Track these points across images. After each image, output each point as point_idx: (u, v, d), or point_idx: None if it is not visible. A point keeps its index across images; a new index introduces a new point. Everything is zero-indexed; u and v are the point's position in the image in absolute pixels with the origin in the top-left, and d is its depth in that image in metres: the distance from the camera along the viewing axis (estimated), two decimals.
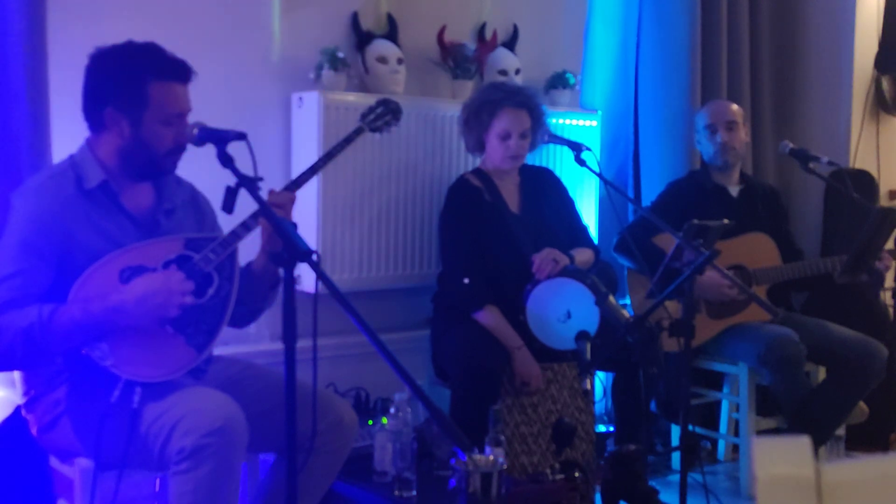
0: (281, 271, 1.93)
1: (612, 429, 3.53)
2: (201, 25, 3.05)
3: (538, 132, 3.30)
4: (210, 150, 2.17)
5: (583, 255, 3.27)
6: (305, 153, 3.17)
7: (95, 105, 2.29)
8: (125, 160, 2.31)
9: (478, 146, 3.31)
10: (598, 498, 2.87)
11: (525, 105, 3.24)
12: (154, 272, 2.18)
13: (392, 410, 2.81)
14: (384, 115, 2.71)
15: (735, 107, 3.76)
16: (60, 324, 2.08)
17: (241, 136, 2.16)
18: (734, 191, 3.73)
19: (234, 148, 2.15)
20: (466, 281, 3.15)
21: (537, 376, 3.05)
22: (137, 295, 2.12)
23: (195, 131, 2.24)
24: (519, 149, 3.24)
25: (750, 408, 3.50)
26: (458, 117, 3.35)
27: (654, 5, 4.03)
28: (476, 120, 3.25)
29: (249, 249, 2.44)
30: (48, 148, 2.65)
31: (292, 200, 2.36)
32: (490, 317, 3.10)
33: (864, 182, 4.28)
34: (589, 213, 3.87)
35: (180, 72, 2.30)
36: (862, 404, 3.49)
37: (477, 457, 2.43)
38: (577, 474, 2.69)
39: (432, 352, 3.28)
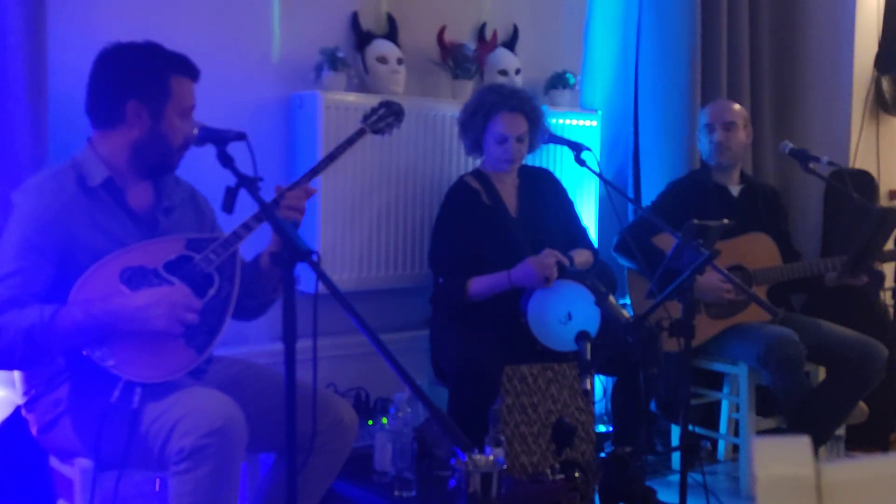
0: None
1: (611, 429, 3.53)
2: (201, 25, 3.05)
3: (536, 134, 3.30)
4: (210, 150, 2.17)
5: (581, 257, 3.27)
6: (305, 153, 3.18)
7: (115, 98, 2.29)
8: (138, 154, 2.31)
9: (475, 148, 3.32)
10: (597, 498, 2.87)
11: (521, 109, 3.24)
12: (162, 285, 2.18)
13: (392, 410, 2.81)
14: (386, 116, 2.71)
15: (737, 107, 3.75)
16: (61, 325, 2.08)
17: (241, 136, 2.16)
18: (735, 190, 3.73)
19: (234, 148, 2.15)
20: (441, 281, 3.17)
21: (544, 265, 3.04)
22: (141, 303, 2.12)
23: (195, 131, 2.25)
24: (515, 152, 3.24)
25: (750, 408, 3.50)
26: (458, 118, 3.34)
27: (654, 5, 4.03)
28: (472, 123, 3.26)
29: (254, 244, 2.44)
30: (48, 148, 2.65)
31: (309, 194, 2.42)
32: (479, 286, 3.11)
33: (864, 182, 4.28)
34: (589, 214, 3.87)
35: (193, 69, 2.35)
36: (862, 404, 3.49)
37: (477, 457, 2.43)
38: (577, 474, 2.70)
39: (431, 352, 3.28)
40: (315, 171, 2.47)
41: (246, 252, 2.43)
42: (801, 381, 3.39)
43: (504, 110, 3.21)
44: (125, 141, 2.31)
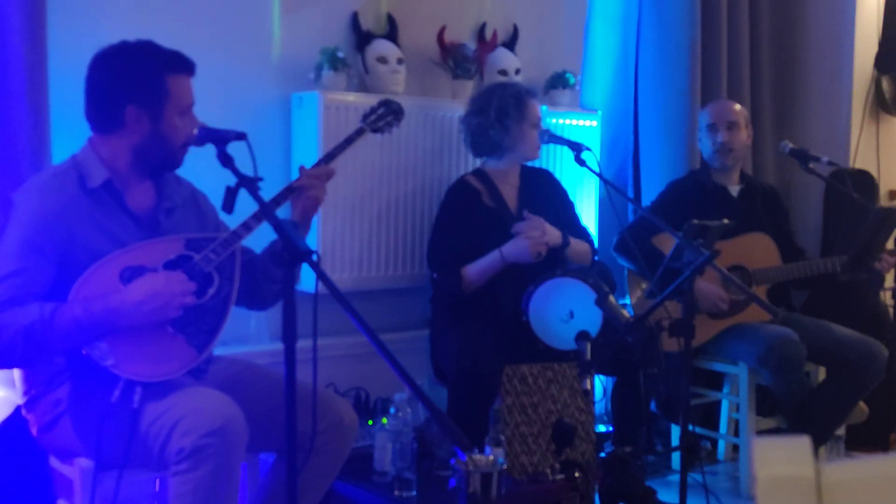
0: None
1: (611, 429, 3.53)
2: (201, 25, 3.05)
3: (542, 135, 3.32)
4: (210, 150, 2.17)
5: (580, 246, 3.28)
6: (305, 153, 3.18)
7: (113, 105, 2.28)
8: (140, 157, 2.31)
9: (511, 143, 3.26)
10: (597, 498, 2.87)
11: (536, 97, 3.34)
12: (155, 272, 2.18)
13: (392, 410, 2.81)
14: (385, 115, 2.71)
15: (738, 107, 3.75)
16: (61, 323, 2.08)
17: (241, 136, 2.16)
18: (734, 190, 3.73)
19: (234, 148, 2.15)
20: (435, 276, 3.19)
21: (534, 238, 3.09)
22: (138, 296, 2.12)
23: (195, 131, 2.25)
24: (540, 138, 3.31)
25: (750, 408, 3.50)
26: (477, 120, 3.26)
27: (654, 5, 4.03)
28: (518, 110, 3.23)
29: (260, 238, 2.45)
30: (48, 148, 2.66)
31: (329, 174, 2.44)
32: (473, 271, 3.13)
33: (864, 182, 4.28)
34: (589, 213, 3.87)
35: (188, 64, 2.33)
36: (862, 404, 3.49)
37: (477, 457, 2.43)
38: (577, 474, 2.69)
39: (431, 352, 3.28)
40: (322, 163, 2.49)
41: (255, 243, 2.44)
42: (801, 380, 3.39)
43: (532, 97, 3.28)
44: (126, 145, 2.30)
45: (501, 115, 3.24)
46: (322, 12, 3.33)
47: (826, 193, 4.31)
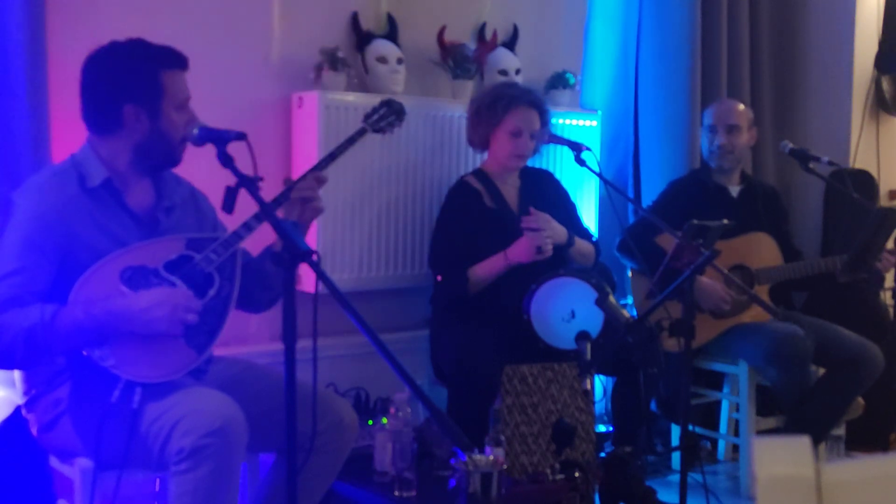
0: None
1: (611, 429, 3.53)
2: (201, 25, 3.05)
3: (543, 137, 3.31)
4: (210, 150, 2.17)
5: (583, 247, 3.27)
6: (305, 153, 3.18)
7: (111, 106, 2.28)
8: (141, 155, 2.31)
9: (482, 142, 3.30)
10: (597, 498, 2.87)
11: (537, 106, 3.27)
12: (162, 286, 2.18)
13: (392, 410, 2.81)
14: (387, 115, 2.70)
15: (741, 108, 3.73)
16: (63, 325, 2.08)
17: (241, 136, 2.16)
18: (735, 190, 3.73)
19: (234, 148, 2.15)
20: (439, 279, 3.19)
21: (535, 239, 3.09)
22: (142, 306, 2.12)
23: (195, 131, 2.25)
24: (526, 148, 3.25)
25: (750, 408, 3.50)
26: (467, 110, 3.33)
27: (654, 5, 4.03)
28: (489, 113, 3.24)
29: (259, 240, 2.44)
30: (48, 148, 2.66)
31: (321, 182, 2.43)
32: (478, 273, 3.13)
33: (864, 182, 4.28)
34: (589, 214, 3.87)
35: (181, 59, 2.34)
36: (858, 398, 3.49)
37: (477, 457, 2.43)
38: (577, 474, 2.69)
39: (431, 352, 3.28)
40: (314, 171, 2.47)
41: (252, 247, 2.44)
42: (805, 378, 3.39)
43: (523, 104, 3.23)
44: (127, 144, 2.31)
45: (476, 115, 3.27)
46: (322, 12, 3.33)
47: (826, 193, 4.31)
